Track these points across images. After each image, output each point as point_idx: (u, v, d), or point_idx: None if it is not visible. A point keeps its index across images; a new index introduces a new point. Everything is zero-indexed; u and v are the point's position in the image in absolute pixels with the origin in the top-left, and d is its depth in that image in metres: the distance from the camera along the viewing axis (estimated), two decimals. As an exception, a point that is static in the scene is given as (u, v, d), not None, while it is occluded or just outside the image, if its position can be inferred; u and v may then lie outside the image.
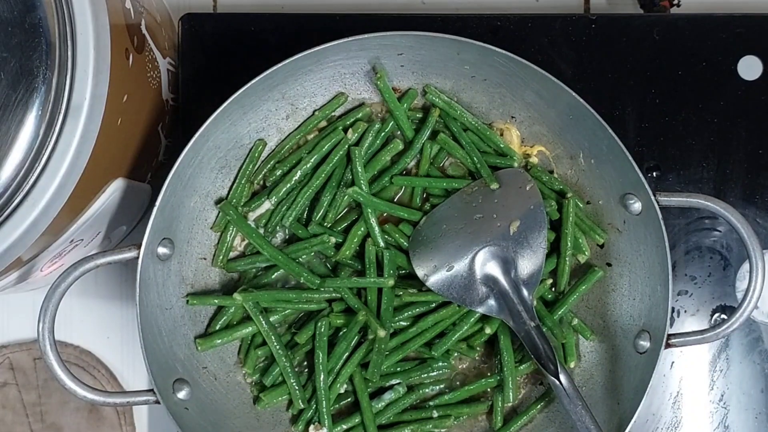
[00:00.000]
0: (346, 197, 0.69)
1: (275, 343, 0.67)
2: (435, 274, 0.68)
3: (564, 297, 0.69)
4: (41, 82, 0.51)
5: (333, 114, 0.70)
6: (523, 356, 0.69)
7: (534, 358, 0.65)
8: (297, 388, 0.68)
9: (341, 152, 0.69)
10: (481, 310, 0.67)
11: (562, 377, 0.63)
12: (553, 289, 0.70)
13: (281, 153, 0.70)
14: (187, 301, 0.67)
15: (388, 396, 0.69)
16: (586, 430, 0.63)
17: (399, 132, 0.70)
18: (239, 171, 0.69)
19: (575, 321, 0.69)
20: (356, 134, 0.69)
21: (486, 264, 0.67)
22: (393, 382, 0.69)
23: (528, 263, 0.67)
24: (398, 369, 0.69)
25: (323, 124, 0.70)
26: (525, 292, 0.66)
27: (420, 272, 0.68)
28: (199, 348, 0.67)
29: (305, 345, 0.69)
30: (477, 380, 0.70)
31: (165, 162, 0.73)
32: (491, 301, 0.67)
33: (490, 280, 0.67)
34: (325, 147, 0.69)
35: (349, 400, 0.70)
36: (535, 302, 0.67)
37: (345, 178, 0.69)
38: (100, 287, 0.80)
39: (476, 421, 0.70)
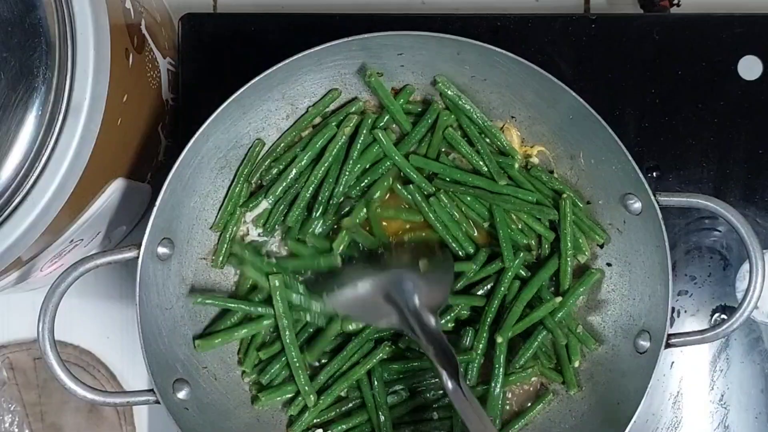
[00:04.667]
0: (344, 198, 0.69)
1: (287, 333, 0.67)
2: (340, 296, 0.68)
3: (563, 300, 0.69)
4: (41, 82, 0.51)
5: (327, 110, 0.70)
6: (518, 368, 0.69)
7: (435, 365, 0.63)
8: (304, 382, 0.68)
9: (335, 150, 0.68)
10: (382, 324, 0.67)
11: (450, 384, 0.62)
12: (554, 290, 0.70)
13: (276, 151, 0.69)
14: (199, 300, 0.67)
15: (390, 399, 0.69)
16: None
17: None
18: (237, 171, 0.69)
19: (579, 329, 0.69)
20: (350, 127, 0.68)
21: (390, 287, 0.67)
22: (396, 387, 0.69)
23: (434, 292, 0.67)
24: (400, 376, 0.70)
25: (317, 120, 0.70)
26: (427, 316, 0.65)
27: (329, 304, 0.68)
28: (198, 349, 0.67)
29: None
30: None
31: (165, 162, 0.73)
32: (393, 318, 0.66)
33: (391, 301, 0.67)
34: (319, 143, 0.68)
35: (351, 405, 0.70)
36: (433, 321, 0.65)
37: (343, 178, 0.69)
38: (100, 287, 0.80)
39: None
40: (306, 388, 0.68)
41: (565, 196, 0.68)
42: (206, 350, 0.68)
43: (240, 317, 0.69)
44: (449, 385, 0.62)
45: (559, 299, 0.68)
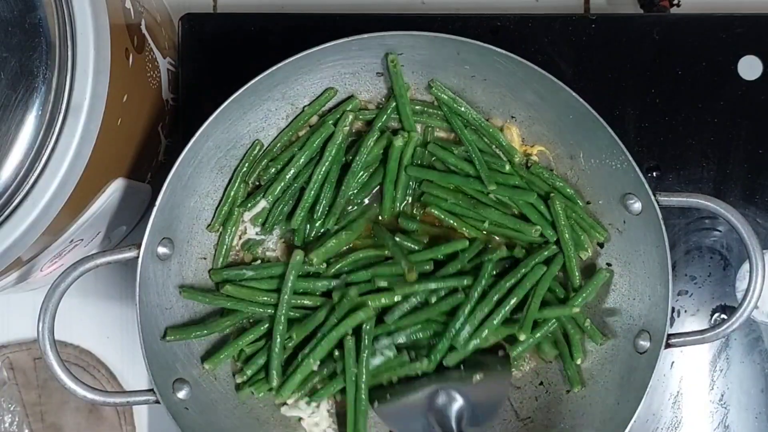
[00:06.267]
0: (346, 197, 0.69)
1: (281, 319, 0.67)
2: (390, 407, 0.67)
3: (573, 300, 0.68)
4: (41, 82, 0.52)
5: (323, 109, 0.70)
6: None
7: None
8: (276, 360, 0.67)
9: (334, 150, 0.68)
10: None
11: None
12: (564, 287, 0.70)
13: (273, 151, 0.69)
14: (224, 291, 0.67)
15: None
16: None
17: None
18: (234, 171, 0.69)
19: (587, 323, 0.69)
20: (347, 125, 0.68)
21: (438, 400, 0.67)
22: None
23: (483, 407, 0.67)
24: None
25: (314, 119, 0.70)
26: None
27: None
28: (209, 368, 0.67)
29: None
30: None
31: (165, 162, 0.73)
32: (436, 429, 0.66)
33: (438, 414, 0.66)
34: (316, 142, 0.68)
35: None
36: None
37: (347, 181, 0.69)
38: (100, 287, 0.80)
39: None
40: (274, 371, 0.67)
41: (552, 195, 0.68)
42: (217, 367, 0.67)
43: (239, 321, 0.69)
44: None
45: (576, 309, 0.68)
